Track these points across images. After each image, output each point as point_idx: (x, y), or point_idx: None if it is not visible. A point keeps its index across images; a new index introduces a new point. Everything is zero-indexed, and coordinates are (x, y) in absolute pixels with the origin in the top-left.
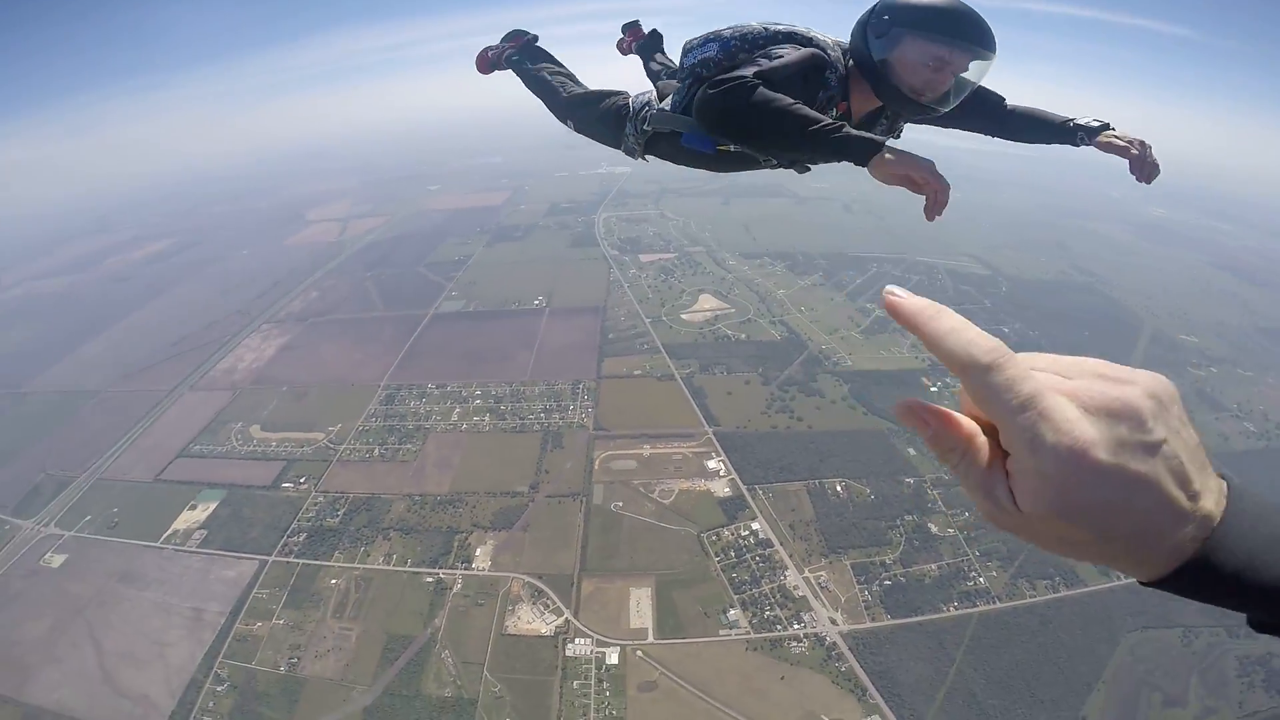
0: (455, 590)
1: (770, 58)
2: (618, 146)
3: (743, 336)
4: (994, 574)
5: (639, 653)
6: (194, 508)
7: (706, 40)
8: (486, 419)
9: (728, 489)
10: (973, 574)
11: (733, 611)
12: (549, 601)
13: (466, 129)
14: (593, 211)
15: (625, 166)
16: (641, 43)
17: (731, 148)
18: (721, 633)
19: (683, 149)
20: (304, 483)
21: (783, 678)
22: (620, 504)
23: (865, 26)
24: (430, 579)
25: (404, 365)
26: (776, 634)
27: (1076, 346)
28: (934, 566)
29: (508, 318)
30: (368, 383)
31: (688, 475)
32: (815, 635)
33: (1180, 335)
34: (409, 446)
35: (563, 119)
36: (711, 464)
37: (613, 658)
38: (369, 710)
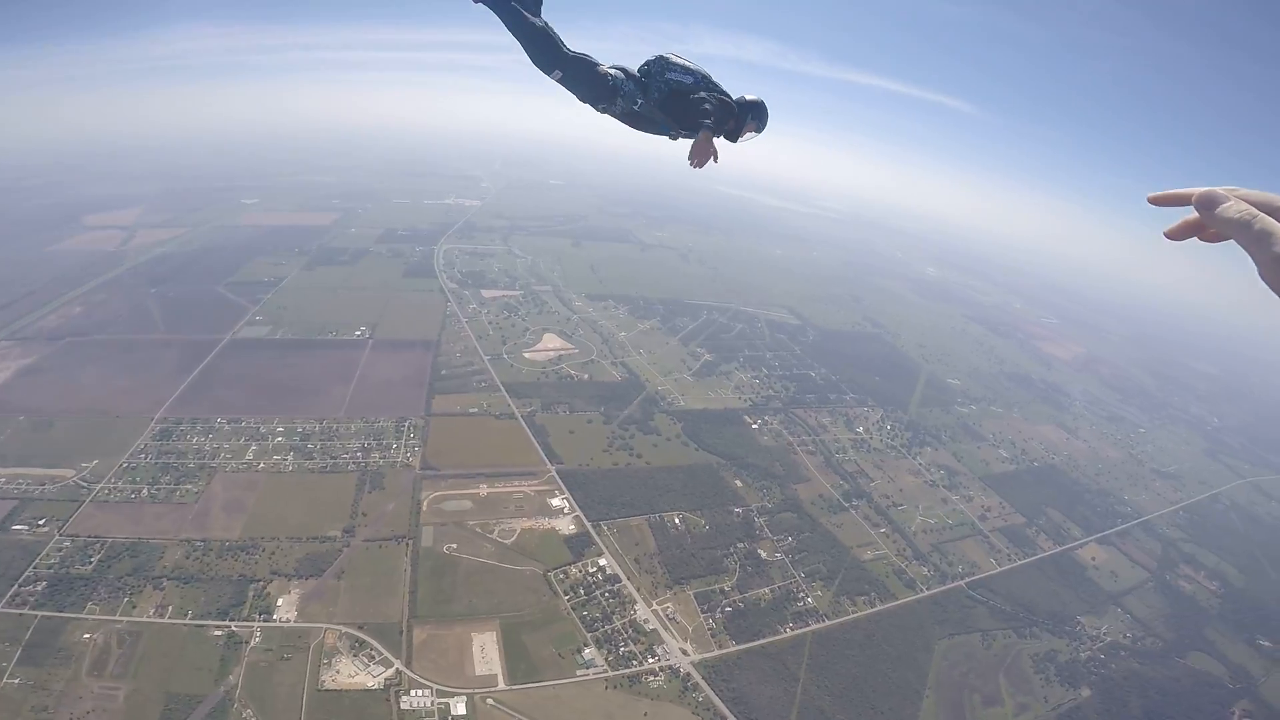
0: (253, 644)
1: (719, 90)
2: (596, 105)
3: (585, 377)
4: (819, 593)
5: (490, 701)
6: None
7: (678, 68)
8: (290, 458)
9: (573, 526)
10: (801, 595)
11: (588, 650)
12: (374, 652)
13: (301, 143)
14: (434, 242)
15: (475, 200)
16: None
17: (675, 133)
18: (579, 673)
19: (643, 119)
20: (44, 525)
21: (645, 714)
22: (454, 546)
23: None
24: (219, 632)
25: (188, 396)
26: (634, 669)
27: (871, 389)
28: (767, 590)
29: (323, 348)
30: (137, 414)
31: (530, 514)
32: (670, 667)
33: (948, 379)
34: (188, 487)
35: (550, 67)
36: (555, 502)
37: (459, 707)
38: None
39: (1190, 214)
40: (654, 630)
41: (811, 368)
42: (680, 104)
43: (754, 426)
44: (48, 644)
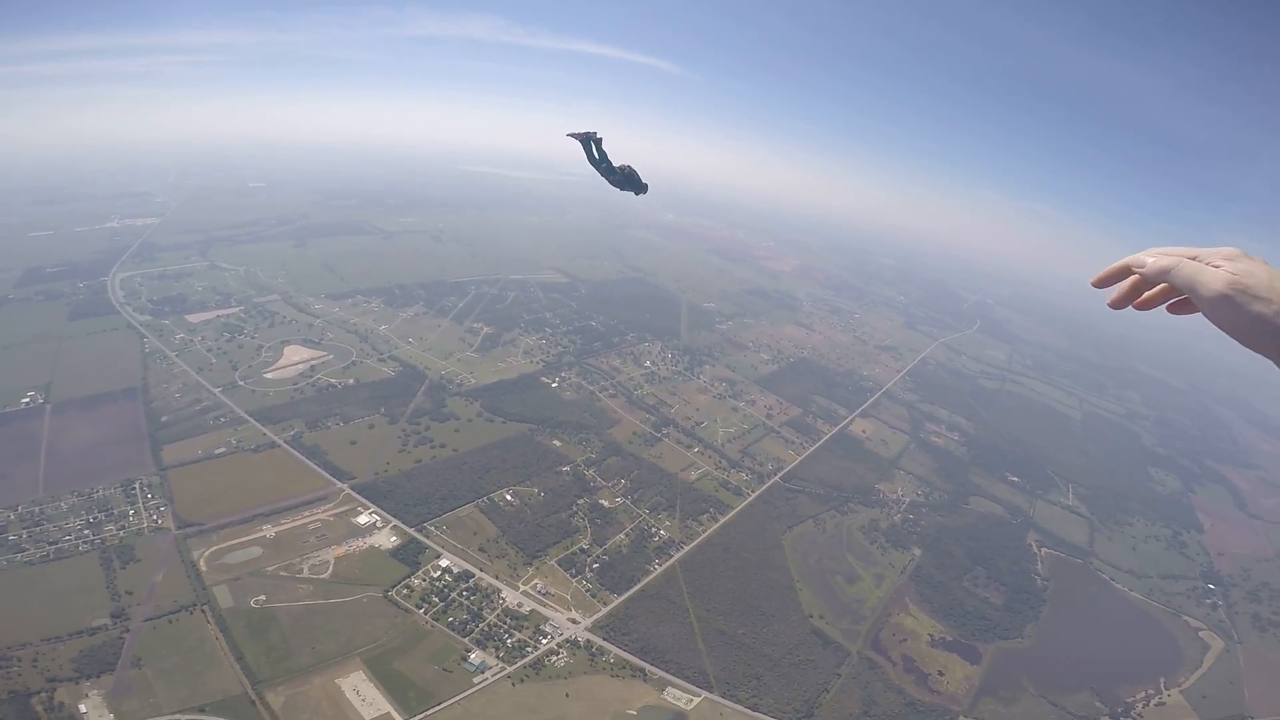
0: None
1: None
2: (612, 181)
3: (351, 381)
4: (668, 524)
5: None
6: None
7: (624, 167)
8: None
9: (394, 538)
10: (653, 530)
11: (474, 654)
12: None
13: None
14: (103, 273)
15: (150, 218)
16: (586, 137)
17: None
18: (476, 680)
19: (624, 184)
20: None
21: (567, 695)
22: (262, 598)
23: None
24: None
25: None
26: (532, 656)
27: (646, 326)
28: (623, 536)
29: None
30: None
31: (339, 540)
32: (568, 641)
33: (704, 304)
34: None
35: (615, 183)
36: (362, 519)
37: None
38: None
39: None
40: (533, 611)
41: (591, 318)
42: (634, 179)
43: (554, 385)
44: None
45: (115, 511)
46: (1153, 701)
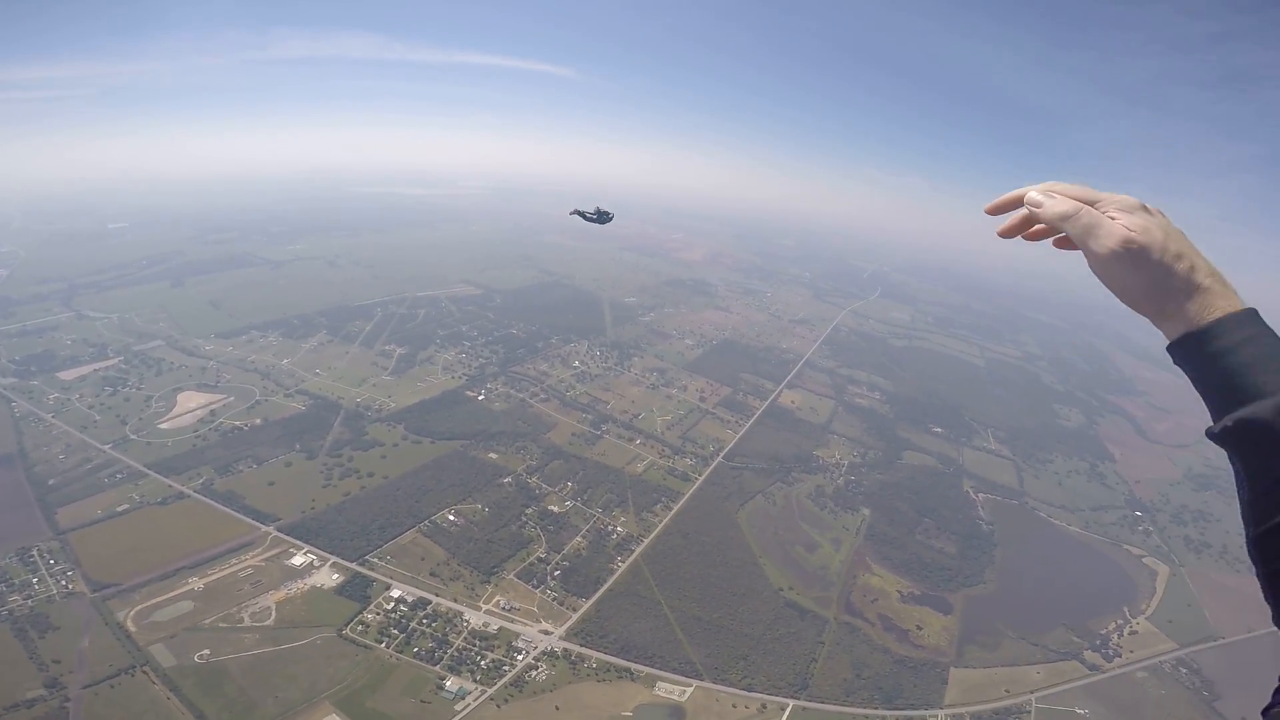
0: None
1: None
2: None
3: (258, 421)
4: (623, 519)
5: None
6: None
7: (605, 212)
8: None
9: (336, 575)
10: (609, 528)
11: (449, 682)
12: None
13: None
14: None
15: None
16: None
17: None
18: (458, 708)
19: (601, 221)
20: None
21: (557, 707)
22: (206, 652)
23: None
24: None
25: None
26: (510, 674)
27: (570, 328)
28: (579, 539)
29: None
30: None
31: (275, 584)
32: (545, 653)
33: (625, 299)
34: None
35: (594, 222)
36: (297, 560)
37: None
38: None
39: (1020, 212)
40: (501, 629)
41: (511, 326)
42: (607, 215)
43: (480, 398)
44: None
45: (16, 581)
46: (1125, 630)
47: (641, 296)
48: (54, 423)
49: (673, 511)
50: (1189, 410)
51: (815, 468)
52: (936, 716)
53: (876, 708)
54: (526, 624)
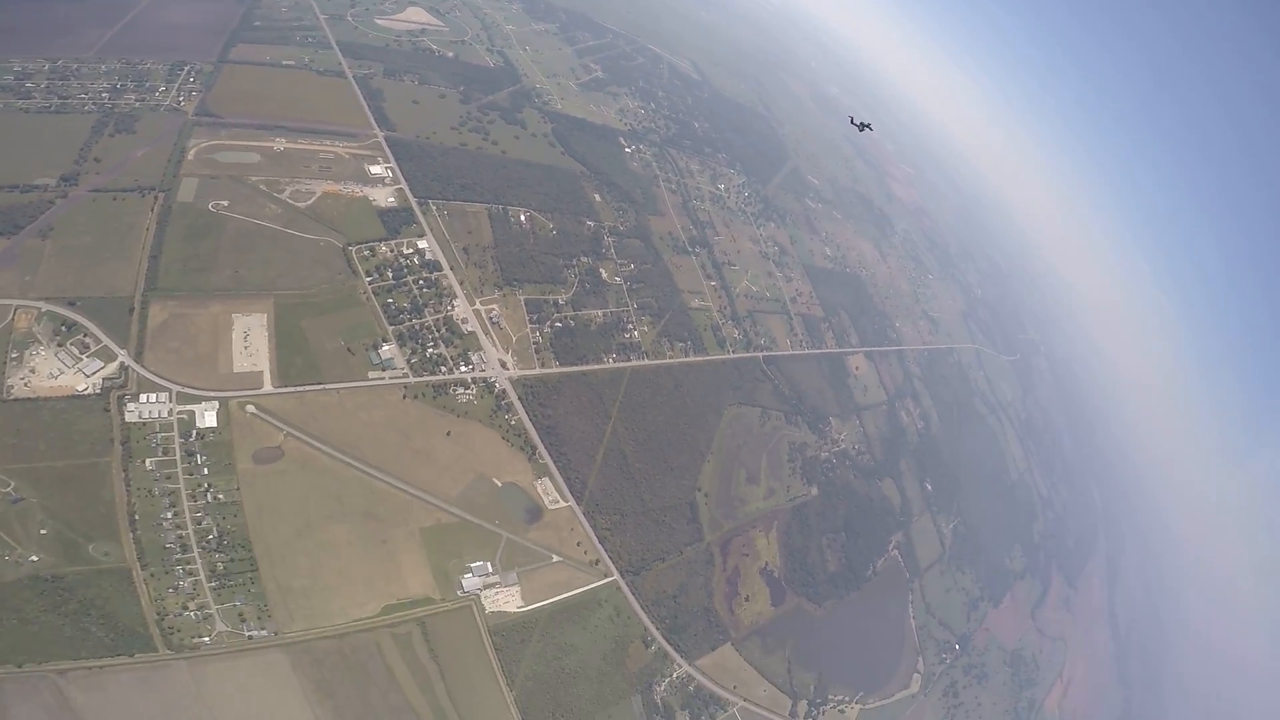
0: None
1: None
2: None
3: (450, 55)
4: (645, 329)
5: (250, 408)
6: None
7: (868, 123)
8: None
9: (393, 199)
10: (629, 326)
11: (386, 347)
12: (90, 339)
13: None
14: None
15: None
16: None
17: None
18: (372, 375)
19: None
20: None
21: (448, 433)
22: (225, 203)
23: None
24: None
25: None
26: (441, 377)
27: (742, 157)
28: (599, 313)
29: None
30: None
31: (340, 178)
32: (484, 380)
33: (809, 176)
34: None
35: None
36: (376, 169)
37: (207, 418)
38: None
39: None
40: (472, 333)
41: (697, 119)
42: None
43: (627, 150)
44: None
45: (147, 85)
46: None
47: (824, 185)
48: None
49: (687, 359)
50: None
51: (818, 429)
52: (680, 668)
53: (664, 626)
54: (495, 346)
